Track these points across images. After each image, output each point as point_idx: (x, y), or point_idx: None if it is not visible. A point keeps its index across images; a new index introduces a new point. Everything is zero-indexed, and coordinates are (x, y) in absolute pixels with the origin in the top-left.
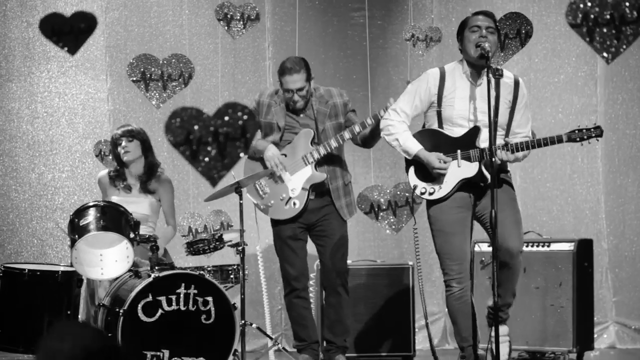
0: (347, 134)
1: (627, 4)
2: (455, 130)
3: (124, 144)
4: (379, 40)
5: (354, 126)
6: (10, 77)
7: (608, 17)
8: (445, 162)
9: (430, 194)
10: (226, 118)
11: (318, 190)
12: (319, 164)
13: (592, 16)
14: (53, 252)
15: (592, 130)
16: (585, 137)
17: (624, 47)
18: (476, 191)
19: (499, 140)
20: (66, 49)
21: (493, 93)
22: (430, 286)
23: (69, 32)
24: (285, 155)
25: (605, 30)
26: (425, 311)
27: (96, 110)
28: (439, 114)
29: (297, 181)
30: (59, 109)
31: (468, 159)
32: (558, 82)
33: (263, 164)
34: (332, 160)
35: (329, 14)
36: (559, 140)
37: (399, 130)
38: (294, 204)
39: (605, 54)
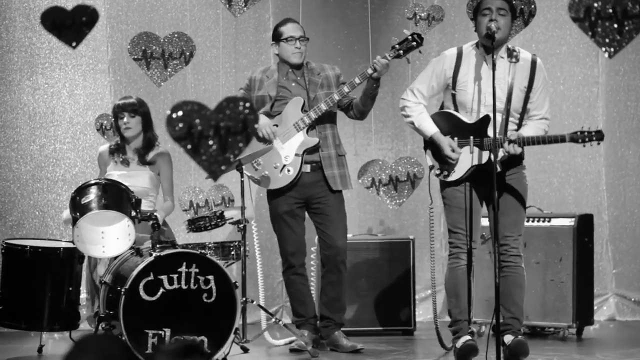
0: (336, 96)
1: None
2: (470, 116)
3: (125, 119)
4: (380, 11)
5: (343, 87)
6: (11, 48)
7: (610, 11)
8: (455, 152)
9: (445, 176)
10: (227, 112)
11: (310, 158)
12: (312, 132)
13: (594, 10)
14: (54, 224)
15: (594, 133)
16: (587, 139)
17: (626, 41)
18: (485, 186)
19: (510, 129)
20: (70, 43)
21: (508, 79)
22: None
23: (71, 25)
24: (277, 125)
25: (607, 24)
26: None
27: (97, 81)
28: (454, 97)
29: (290, 148)
30: (59, 80)
31: (480, 147)
32: (560, 53)
33: (257, 138)
34: (324, 129)
35: None
36: (562, 139)
37: (415, 112)
38: (288, 170)
39: (607, 48)
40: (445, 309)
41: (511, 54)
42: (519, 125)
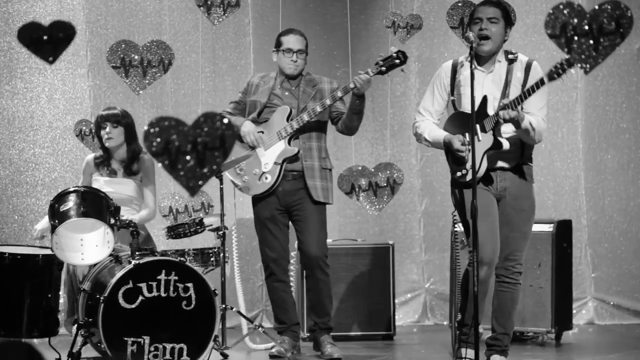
0: (318, 107)
1: (605, 14)
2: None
3: (108, 129)
4: (360, 16)
5: (325, 100)
6: None
7: (586, 27)
8: (463, 144)
9: (464, 175)
10: (205, 128)
11: (292, 167)
12: (294, 141)
13: (570, 27)
14: (34, 228)
15: (565, 62)
16: (561, 71)
17: (602, 58)
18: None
19: (507, 130)
20: (47, 59)
21: (503, 77)
22: (410, 262)
23: (48, 41)
24: (262, 132)
25: (583, 41)
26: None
27: (76, 85)
28: (453, 102)
29: (271, 156)
30: (38, 85)
31: (483, 130)
32: (539, 58)
33: (240, 142)
34: (310, 140)
35: None
36: (542, 82)
37: (424, 127)
38: (266, 178)
39: (583, 65)
40: (425, 312)
41: (508, 57)
42: None
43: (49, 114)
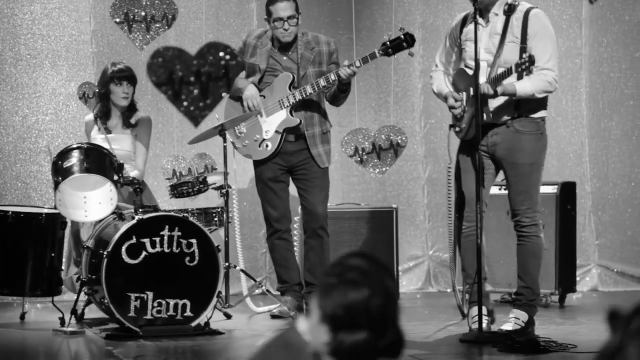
0: (322, 81)
1: None
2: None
3: (125, 88)
4: None
5: (330, 74)
6: None
7: None
8: (456, 101)
9: (458, 132)
10: (209, 58)
11: (294, 133)
12: (296, 109)
13: None
14: (37, 195)
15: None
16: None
17: None
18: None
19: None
20: None
21: (499, 31)
22: (414, 229)
23: None
24: (264, 97)
25: None
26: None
27: (80, 52)
28: (461, 55)
29: (272, 123)
30: (42, 51)
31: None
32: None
33: (243, 104)
34: (311, 107)
35: None
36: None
37: (434, 78)
38: (267, 145)
39: None
40: (428, 280)
41: (509, 8)
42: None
43: (52, 80)
